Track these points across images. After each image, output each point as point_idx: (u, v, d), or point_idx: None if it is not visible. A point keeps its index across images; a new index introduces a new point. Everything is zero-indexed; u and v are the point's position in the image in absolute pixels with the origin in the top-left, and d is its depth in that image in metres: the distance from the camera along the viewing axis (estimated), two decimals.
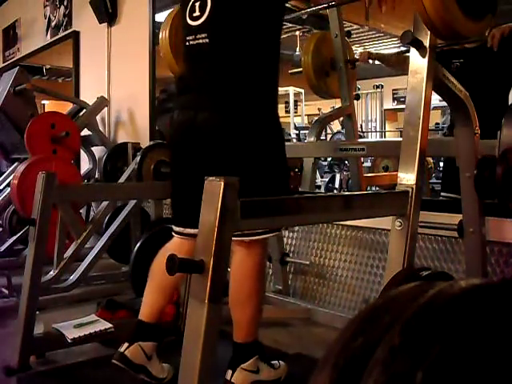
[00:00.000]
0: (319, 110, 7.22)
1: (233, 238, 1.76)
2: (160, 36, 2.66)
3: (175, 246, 1.91)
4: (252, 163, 1.72)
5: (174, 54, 2.61)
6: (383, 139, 7.87)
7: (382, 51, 6.48)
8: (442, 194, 2.90)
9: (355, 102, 3.67)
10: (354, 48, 4.21)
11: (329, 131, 7.53)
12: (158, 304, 1.93)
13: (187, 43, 1.82)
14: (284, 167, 1.86)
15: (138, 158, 3.26)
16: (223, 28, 1.75)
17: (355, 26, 6.09)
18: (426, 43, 1.54)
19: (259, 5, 1.76)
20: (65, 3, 5.41)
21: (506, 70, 1.69)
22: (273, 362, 1.91)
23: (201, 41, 1.76)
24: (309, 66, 3.25)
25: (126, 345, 1.82)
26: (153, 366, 1.85)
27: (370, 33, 6.47)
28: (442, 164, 4.80)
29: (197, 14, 1.77)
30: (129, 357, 1.80)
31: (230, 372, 1.77)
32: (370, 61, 3.36)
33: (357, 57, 3.57)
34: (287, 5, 2.02)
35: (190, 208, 1.51)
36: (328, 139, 7.00)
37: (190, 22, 1.79)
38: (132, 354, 1.80)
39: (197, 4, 1.78)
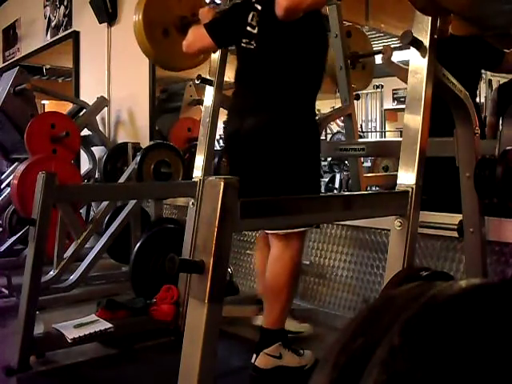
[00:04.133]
0: (318, 111, 7.20)
1: (268, 232, 1.89)
2: (133, 20, 2.51)
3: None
4: (291, 162, 1.89)
5: (149, 38, 2.48)
6: (383, 139, 7.85)
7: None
8: None
9: (355, 101, 3.67)
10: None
11: (329, 131, 7.52)
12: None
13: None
14: (318, 166, 2.02)
15: (137, 158, 3.26)
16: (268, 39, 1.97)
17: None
18: (426, 43, 1.54)
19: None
20: (65, 3, 5.41)
21: (472, 64, 1.68)
22: (297, 349, 2.00)
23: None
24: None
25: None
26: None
27: (370, 33, 6.45)
28: None
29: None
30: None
31: (254, 356, 1.92)
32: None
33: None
34: None
35: None
36: (328, 139, 7.00)
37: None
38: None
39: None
